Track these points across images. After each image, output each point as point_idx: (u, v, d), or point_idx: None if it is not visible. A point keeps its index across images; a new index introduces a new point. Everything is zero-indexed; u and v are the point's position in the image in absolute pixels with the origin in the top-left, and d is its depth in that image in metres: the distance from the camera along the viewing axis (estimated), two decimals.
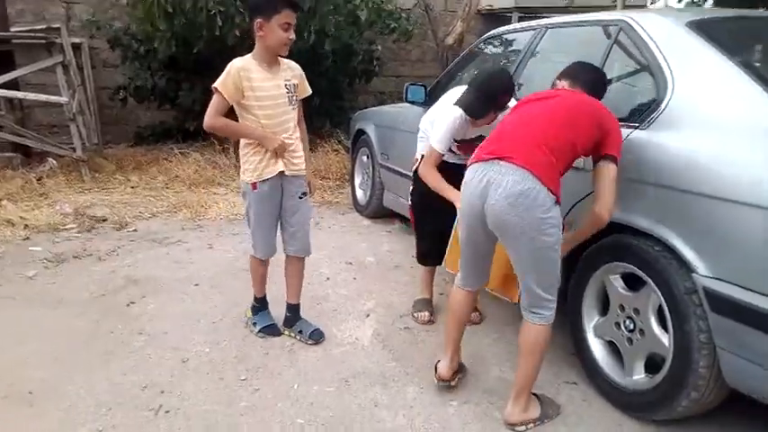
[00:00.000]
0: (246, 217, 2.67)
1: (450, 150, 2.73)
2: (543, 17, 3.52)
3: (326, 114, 7.06)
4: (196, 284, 3.39)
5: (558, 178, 1.90)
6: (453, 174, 2.48)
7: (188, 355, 2.59)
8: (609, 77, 2.34)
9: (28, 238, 4.21)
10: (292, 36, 2.39)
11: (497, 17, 9.23)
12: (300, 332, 2.73)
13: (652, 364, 2.10)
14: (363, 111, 5.31)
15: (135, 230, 4.45)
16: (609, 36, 2.54)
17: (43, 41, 6.36)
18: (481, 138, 2.38)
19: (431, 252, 2.89)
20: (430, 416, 2.18)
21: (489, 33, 3.64)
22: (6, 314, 2.98)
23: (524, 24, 3.41)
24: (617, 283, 2.22)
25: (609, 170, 1.96)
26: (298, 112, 2.59)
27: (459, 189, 2.15)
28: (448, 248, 2.60)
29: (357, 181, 5.10)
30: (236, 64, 2.38)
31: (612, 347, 2.29)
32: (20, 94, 6.19)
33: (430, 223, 2.83)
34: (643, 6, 8.46)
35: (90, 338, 2.72)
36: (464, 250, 2.15)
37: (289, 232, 2.67)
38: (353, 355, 2.62)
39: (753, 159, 1.77)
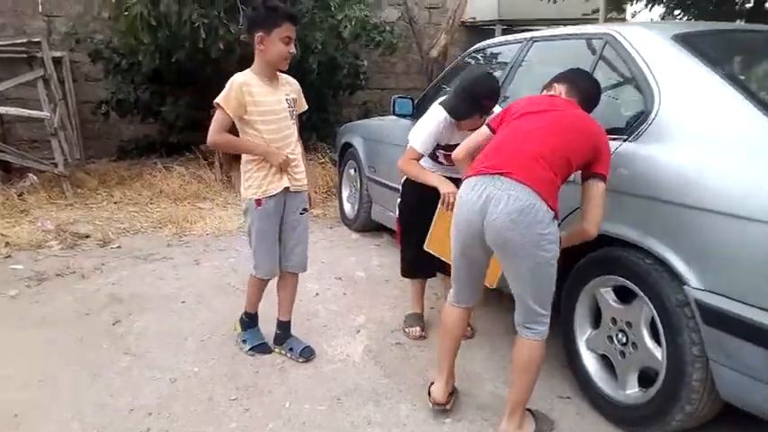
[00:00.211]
0: (248, 235, 2.60)
1: (437, 161, 2.73)
2: (526, 30, 3.55)
3: (313, 128, 7.05)
4: (183, 302, 3.34)
5: (556, 193, 1.90)
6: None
7: (176, 374, 2.54)
8: None
9: (9, 256, 4.13)
10: (293, 50, 2.39)
11: (481, 30, 9.34)
12: (291, 350, 2.69)
13: (645, 378, 2.10)
14: (350, 124, 5.31)
15: (119, 247, 4.38)
16: (595, 49, 2.56)
17: (24, 55, 6.29)
18: None
19: (416, 261, 2.82)
20: None
21: (476, 46, 3.66)
22: None
23: (510, 37, 3.43)
24: (608, 297, 2.21)
25: (598, 188, 1.97)
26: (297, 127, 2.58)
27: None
28: (431, 229, 2.58)
29: (345, 194, 5.08)
30: (237, 79, 2.37)
31: (606, 361, 2.28)
32: (0, 110, 6.10)
33: (416, 233, 2.77)
34: (623, 20, 8.60)
35: (75, 359, 2.66)
36: (457, 266, 2.13)
37: (288, 247, 2.63)
38: (345, 372, 2.58)
39: (740, 171, 1.78)
